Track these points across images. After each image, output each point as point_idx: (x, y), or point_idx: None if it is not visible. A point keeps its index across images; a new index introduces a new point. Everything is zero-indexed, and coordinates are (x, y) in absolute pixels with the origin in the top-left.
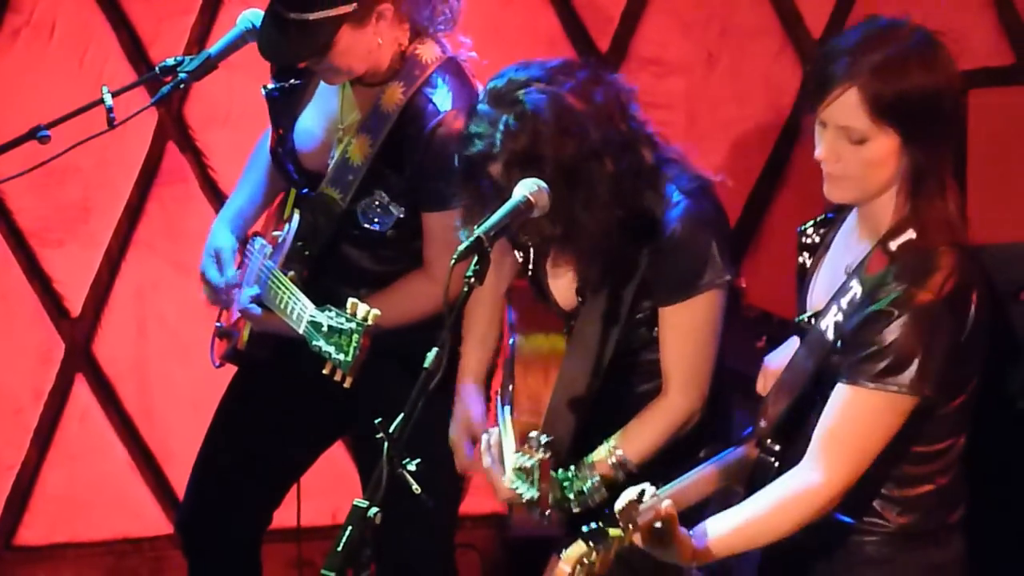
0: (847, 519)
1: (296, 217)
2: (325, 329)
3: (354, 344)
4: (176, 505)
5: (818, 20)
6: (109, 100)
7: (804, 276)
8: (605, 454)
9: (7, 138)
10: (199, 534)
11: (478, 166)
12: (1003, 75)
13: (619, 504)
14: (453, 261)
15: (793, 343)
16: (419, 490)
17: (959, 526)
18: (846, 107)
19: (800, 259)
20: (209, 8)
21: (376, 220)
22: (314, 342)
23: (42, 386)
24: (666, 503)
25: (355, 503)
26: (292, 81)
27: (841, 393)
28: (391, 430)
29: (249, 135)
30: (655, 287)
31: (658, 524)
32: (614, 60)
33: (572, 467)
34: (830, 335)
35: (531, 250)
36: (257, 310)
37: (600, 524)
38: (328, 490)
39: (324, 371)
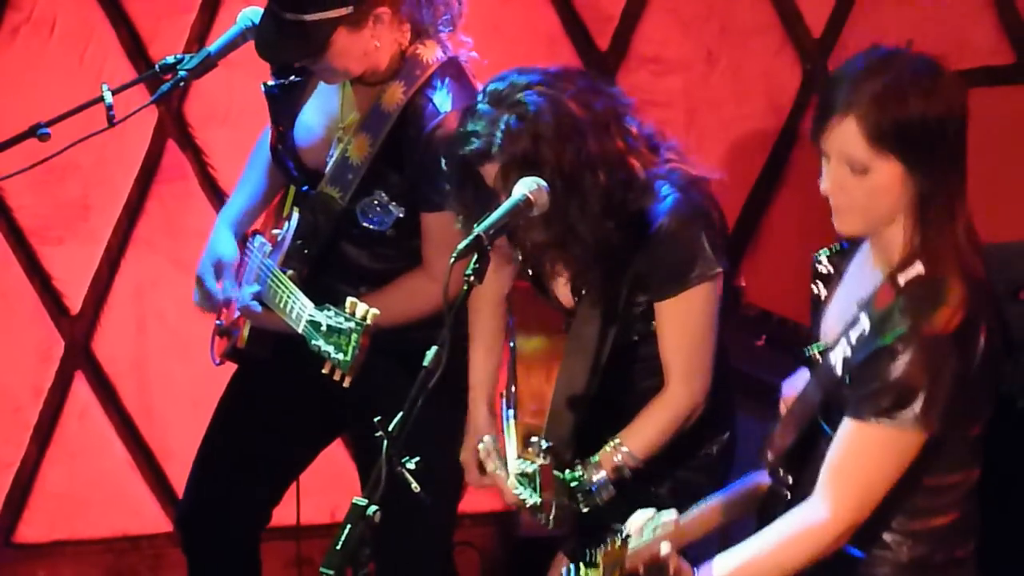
0: (857, 552)
1: (295, 215)
2: (324, 328)
3: (353, 344)
4: (175, 503)
5: (818, 18)
6: (109, 98)
7: (817, 306)
8: (610, 451)
9: (7, 136)
10: (198, 532)
11: (471, 166)
12: (1003, 74)
13: (606, 546)
14: (453, 259)
15: (806, 372)
16: (418, 488)
17: (970, 560)
18: (845, 136)
19: (814, 288)
20: (209, 6)
21: (376, 219)
22: (313, 341)
23: (41, 384)
24: (664, 547)
25: (354, 501)
26: (292, 78)
27: (847, 428)
28: (390, 428)
29: (249, 133)
30: (648, 281)
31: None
32: (614, 58)
33: (578, 466)
34: (838, 370)
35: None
36: (257, 308)
37: (581, 566)
38: (327, 488)
39: (324, 370)
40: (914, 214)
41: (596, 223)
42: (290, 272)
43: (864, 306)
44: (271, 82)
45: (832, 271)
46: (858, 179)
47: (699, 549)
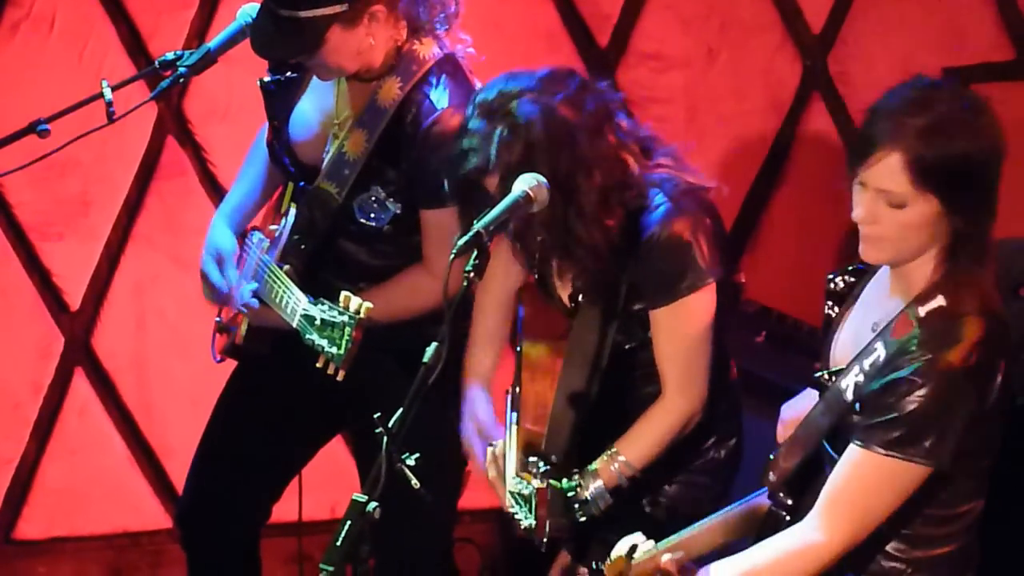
0: None
1: (293, 211)
2: (318, 322)
3: (346, 337)
4: (175, 499)
5: (818, 15)
6: (108, 94)
7: (829, 326)
8: (607, 460)
9: (7, 132)
10: (198, 528)
11: (474, 183)
12: (1003, 70)
13: (613, 555)
14: (452, 255)
15: (809, 393)
16: (418, 485)
17: None
18: (888, 171)
19: (826, 308)
20: (209, 2)
21: (373, 216)
22: (307, 335)
23: (41, 380)
24: (665, 557)
25: (354, 497)
26: (288, 74)
27: (853, 455)
28: (390, 425)
29: (248, 129)
30: (641, 290)
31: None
32: (614, 55)
33: (576, 475)
34: (849, 395)
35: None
36: (255, 305)
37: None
38: (327, 484)
39: (317, 364)
40: (944, 251)
41: (595, 224)
42: (287, 267)
43: (880, 334)
44: (267, 78)
45: (846, 292)
46: (893, 212)
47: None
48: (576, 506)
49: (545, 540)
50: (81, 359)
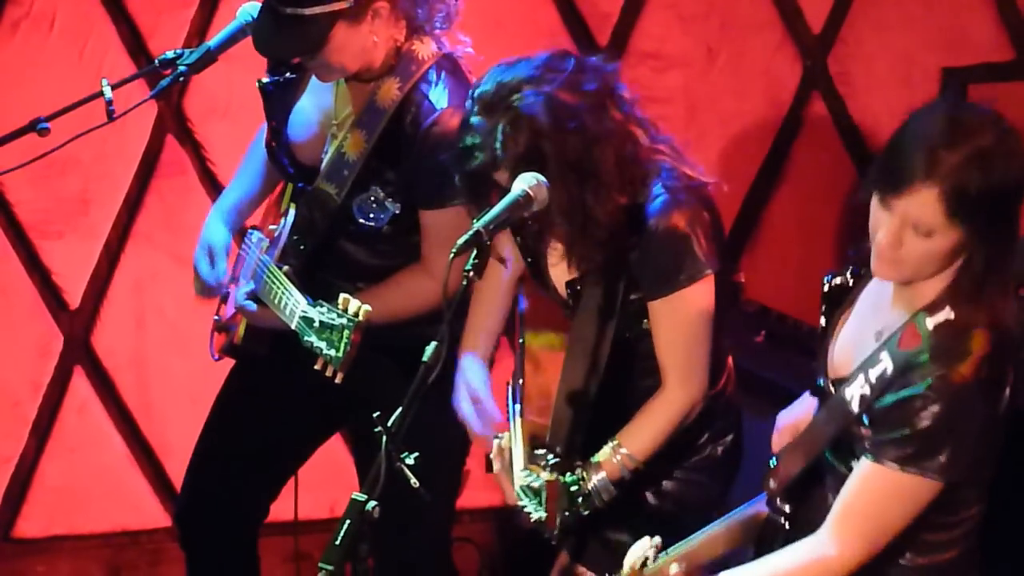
0: None
1: (292, 211)
2: (317, 325)
3: (345, 340)
4: (174, 498)
5: (818, 14)
6: (109, 93)
7: (826, 332)
8: (609, 453)
9: (7, 130)
10: (197, 527)
11: (484, 178)
12: (1003, 70)
13: (626, 566)
14: (452, 254)
15: (805, 400)
16: (417, 484)
17: None
18: (923, 204)
19: (822, 311)
20: (209, 1)
21: (372, 216)
22: (306, 337)
23: (40, 378)
24: (674, 568)
25: (353, 497)
26: (287, 75)
27: (865, 470)
28: (389, 424)
29: (248, 128)
30: (640, 281)
31: None
32: (614, 54)
33: (579, 468)
34: (854, 406)
35: (530, 239)
36: (253, 306)
37: None
38: (326, 483)
39: (316, 367)
40: (959, 267)
41: (612, 202)
42: (286, 268)
43: (885, 344)
44: (266, 79)
45: (844, 296)
46: (919, 239)
47: None
48: (580, 499)
49: (556, 532)
50: (80, 357)
